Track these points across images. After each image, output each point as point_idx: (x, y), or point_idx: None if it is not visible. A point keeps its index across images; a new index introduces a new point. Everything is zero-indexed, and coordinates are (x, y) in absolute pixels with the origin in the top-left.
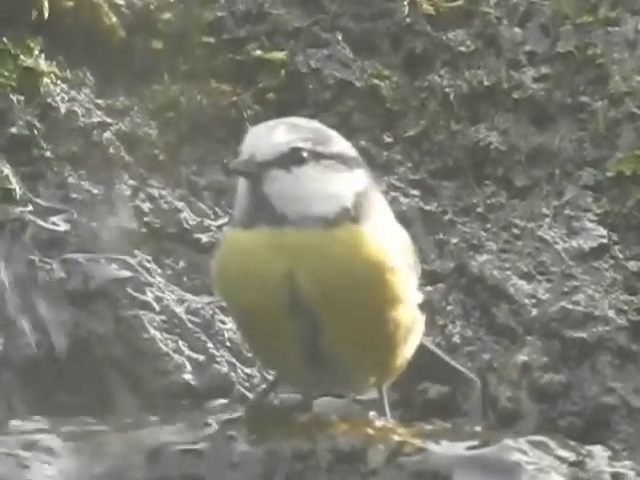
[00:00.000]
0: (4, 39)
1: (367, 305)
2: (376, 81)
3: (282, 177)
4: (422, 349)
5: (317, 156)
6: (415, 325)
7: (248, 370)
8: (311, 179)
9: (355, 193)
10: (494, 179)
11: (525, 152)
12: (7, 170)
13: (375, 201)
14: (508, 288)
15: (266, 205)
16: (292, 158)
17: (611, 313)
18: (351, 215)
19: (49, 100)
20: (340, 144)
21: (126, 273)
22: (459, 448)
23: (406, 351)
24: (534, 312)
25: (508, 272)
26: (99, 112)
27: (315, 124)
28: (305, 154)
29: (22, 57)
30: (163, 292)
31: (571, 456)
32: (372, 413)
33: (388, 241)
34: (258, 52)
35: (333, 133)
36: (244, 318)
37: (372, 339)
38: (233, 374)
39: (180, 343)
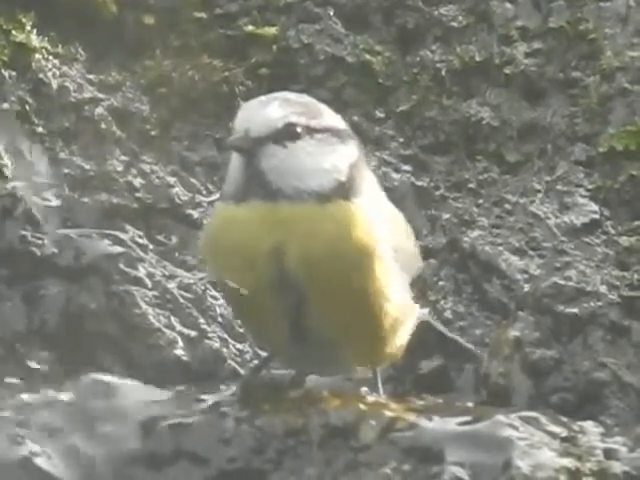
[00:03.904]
0: None
1: (350, 286)
2: (368, 56)
3: (277, 152)
4: (425, 325)
5: (310, 130)
6: (405, 315)
7: (240, 346)
8: (306, 154)
9: (349, 165)
10: (486, 154)
11: (517, 127)
12: None
13: (366, 175)
14: (500, 264)
15: (261, 180)
16: (286, 133)
17: (603, 288)
18: (345, 189)
19: (41, 76)
20: (332, 117)
21: (118, 249)
22: (451, 424)
23: (396, 339)
24: (526, 287)
25: (500, 248)
26: (91, 87)
27: (306, 98)
28: (299, 129)
29: (14, 33)
30: (155, 268)
31: (563, 432)
32: (364, 389)
33: (378, 222)
34: (250, 27)
35: (324, 106)
36: (232, 293)
37: (356, 322)
38: (225, 350)
39: (172, 319)
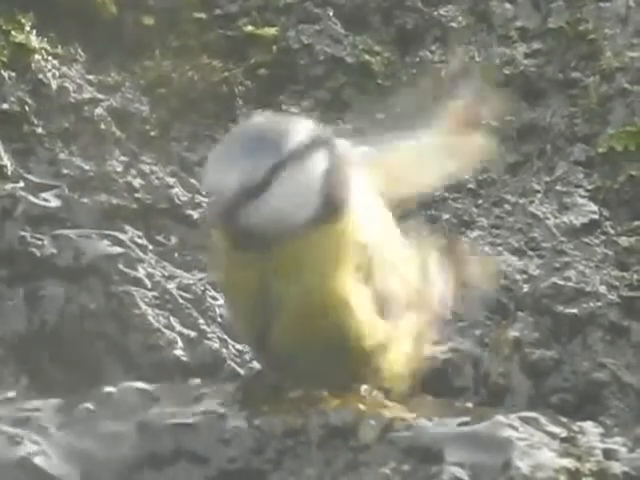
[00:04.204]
0: None
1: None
2: (367, 57)
3: (254, 206)
4: None
5: (277, 169)
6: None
7: (239, 346)
8: (279, 197)
9: (321, 185)
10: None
11: (516, 128)
12: None
13: (348, 179)
14: (499, 264)
15: (247, 237)
16: (257, 184)
17: (602, 289)
18: (328, 209)
19: (40, 76)
20: (297, 133)
21: (117, 249)
22: (450, 424)
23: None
24: (525, 288)
25: (499, 248)
26: (90, 88)
27: (266, 124)
28: (267, 174)
29: (13, 33)
30: (154, 268)
31: (562, 432)
32: (364, 387)
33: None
34: (249, 28)
35: (286, 125)
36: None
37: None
38: (224, 350)
39: (171, 319)
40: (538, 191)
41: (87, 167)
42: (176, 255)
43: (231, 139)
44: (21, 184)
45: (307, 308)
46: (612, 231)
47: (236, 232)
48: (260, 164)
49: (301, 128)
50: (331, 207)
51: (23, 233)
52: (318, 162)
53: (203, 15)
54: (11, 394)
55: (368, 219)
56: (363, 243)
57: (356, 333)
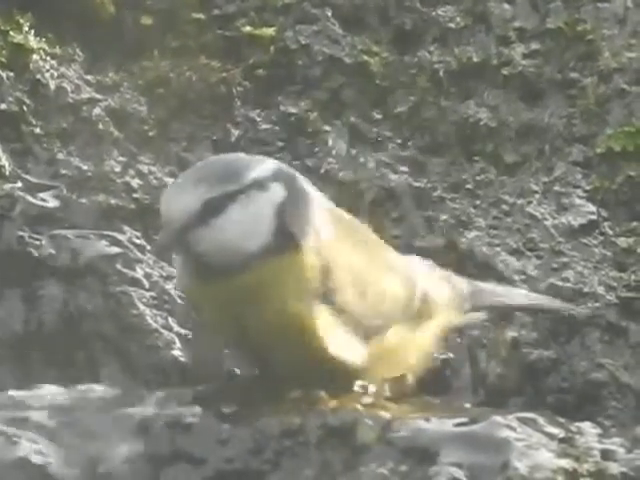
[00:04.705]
0: None
1: (298, 346)
2: (365, 57)
3: (204, 234)
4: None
5: (231, 196)
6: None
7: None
8: (231, 224)
9: (275, 214)
10: (483, 155)
11: (515, 128)
12: None
13: (304, 212)
14: (497, 264)
15: (201, 262)
16: (206, 212)
17: (600, 289)
18: (283, 239)
19: (38, 76)
20: (254, 170)
21: (115, 249)
22: (448, 425)
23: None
24: (523, 288)
25: (497, 248)
26: (89, 88)
27: (222, 161)
28: (218, 202)
29: (12, 33)
30: (152, 268)
31: (560, 432)
32: (361, 384)
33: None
34: (248, 28)
35: (247, 160)
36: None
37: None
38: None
39: (169, 320)
40: (536, 192)
41: (85, 167)
42: (174, 255)
43: (189, 170)
44: (19, 184)
45: (271, 335)
46: (610, 232)
47: (189, 259)
48: (207, 193)
49: (262, 163)
50: (287, 237)
51: (21, 233)
52: (274, 194)
53: (201, 15)
54: (9, 394)
55: (334, 246)
56: (326, 268)
57: (327, 355)
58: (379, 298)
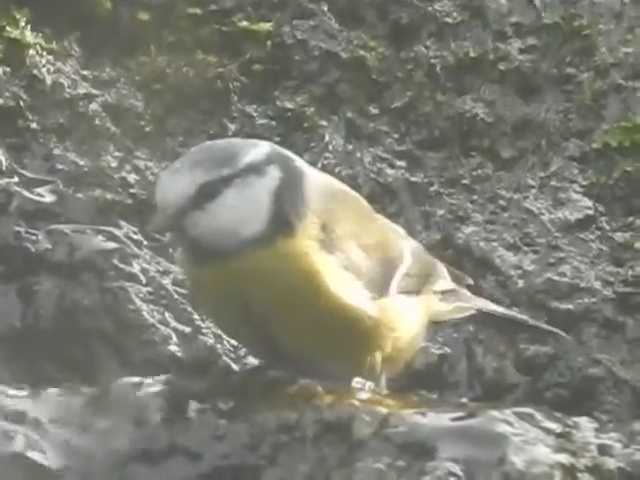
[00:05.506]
0: None
1: (311, 315)
2: (362, 52)
3: (199, 218)
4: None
5: (226, 180)
6: (386, 325)
7: (234, 342)
8: (227, 208)
9: (271, 200)
10: (480, 150)
11: (511, 123)
12: None
13: (300, 193)
14: (494, 259)
15: (199, 248)
16: (202, 195)
17: (597, 284)
18: (280, 222)
19: (35, 72)
20: (248, 154)
21: (112, 244)
22: (445, 420)
23: (381, 348)
24: (520, 283)
25: (494, 243)
26: (85, 83)
27: (220, 144)
28: (213, 186)
29: (8, 29)
30: (149, 264)
31: (557, 427)
32: (358, 381)
33: (318, 251)
34: (244, 23)
35: (242, 144)
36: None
37: (326, 343)
38: (219, 346)
39: (166, 315)
40: (533, 186)
41: (82, 162)
42: (171, 250)
43: (185, 155)
44: (16, 179)
45: (279, 305)
46: (607, 227)
47: (185, 243)
48: (202, 176)
49: (257, 146)
50: (283, 223)
51: (18, 228)
52: (270, 177)
53: (198, 10)
54: (5, 389)
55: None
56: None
57: (342, 308)
58: (378, 252)
